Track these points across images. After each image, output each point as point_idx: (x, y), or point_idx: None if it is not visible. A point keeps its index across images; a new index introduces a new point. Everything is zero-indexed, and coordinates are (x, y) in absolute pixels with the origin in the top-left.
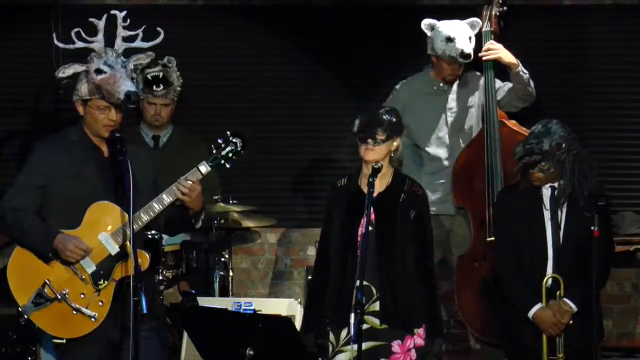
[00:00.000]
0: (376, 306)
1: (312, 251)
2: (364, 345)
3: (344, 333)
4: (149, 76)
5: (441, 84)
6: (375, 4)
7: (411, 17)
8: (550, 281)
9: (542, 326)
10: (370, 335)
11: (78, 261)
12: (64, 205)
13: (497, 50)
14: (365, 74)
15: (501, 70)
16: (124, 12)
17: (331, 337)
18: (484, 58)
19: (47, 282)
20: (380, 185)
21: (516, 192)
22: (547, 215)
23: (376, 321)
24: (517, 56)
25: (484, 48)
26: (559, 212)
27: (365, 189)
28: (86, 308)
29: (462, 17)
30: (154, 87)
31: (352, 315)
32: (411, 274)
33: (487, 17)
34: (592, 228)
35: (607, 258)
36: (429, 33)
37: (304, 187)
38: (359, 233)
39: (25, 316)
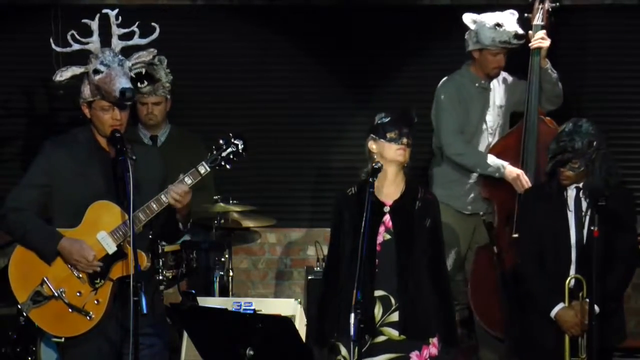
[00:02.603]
0: (395, 317)
1: (312, 251)
2: (382, 358)
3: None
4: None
5: (483, 81)
6: (375, 4)
7: (412, 17)
8: (572, 282)
9: (564, 326)
10: (388, 348)
11: (86, 269)
12: (68, 205)
13: (547, 41)
14: (365, 74)
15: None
16: (116, 10)
17: (344, 351)
18: (535, 45)
19: (45, 280)
20: (394, 192)
21: (542, 191)
22: (570, 216)
23: (394, 332)
24: (517, 56)
25: (537, 37)
26: (584, 213)
27: (379, 197)
28: (82, 307)
29: None
30: (138, 83)
31: (352, 315)
32: (427, 282)
33: (539, 10)
34: (591, 228)
35: (633, 260)
36: (472, 27)
37: (304, 187)
38: (378, 242)
39: (25, 314)
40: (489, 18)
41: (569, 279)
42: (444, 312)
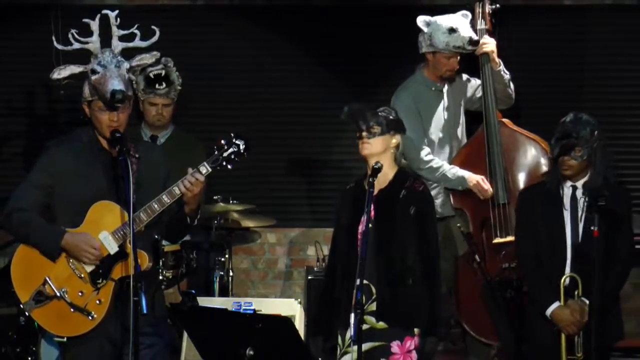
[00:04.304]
0: (374, 306)
1: (312, 251)
2: (366, 346)
3: (349, 334)
4: (151, 75)
5: (438, 84)
6: (375, 4)
7: (411, 17)
8: (568, 280)
9: (560, 324)
10: (369, 336)
11: (94, 260)
12: (70, 206)
13: (491, 44)
14: (365, 74)
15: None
16: (116, 12)
17: (339, 339)
18: (481, 50)
19: (47, 280)
20: (381, 182)
21: (538, 191)
22: (566, 215)
23: (374, 320)
24: (517, 56)
25: (480, 43)
26: (579, 211)
27: (367, 187)
28: (84, 307)
29: None
30: (157, 85)
31: (352, 315)
32: (413, 272)
33: (481, 14)
34: (591, 228)
35: (630, 259)
36: (425, 29)
37: (304, 187)
38: (359, 231)
39: (27, 313)
40: (445, 21)
41: (564, 277)
42: (427, 302)
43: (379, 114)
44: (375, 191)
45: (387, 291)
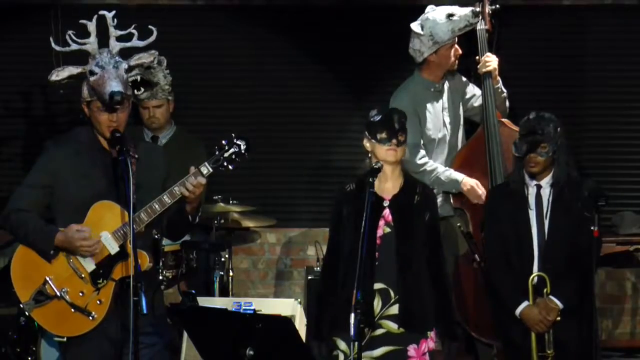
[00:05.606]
0: (394, 309)
1: (312, 251)
2: (380, 351)
3: None
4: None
5: (437, 84)
6: (375, 4)
7: (411, 17)
8: (536, 279)
9: (528, 323)
10: (386, 340)
11: (93, 251)
12: (70, 206)
13: (493, 62)
14: (365, 74)
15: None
16: (113, 12)
17: (343, 345)
18: (483, 70)
19: (48, 280)
20: (393, 188)
21: (503, 191)
22: (532, 214)
23: (393, 325)
24: (517, 56)
25: (482, 60)
26: (545, 210)
27: (378, 192)
28: (85, 307)
29: None
30: (135, 91)
31: (352, 315)
32: (425, 276)
33: (481, 15)
34: (592, 228)
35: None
36: (422, 31)
37: (304, 187)
38: (378, 235)
39: (27, 313)
40: (437, 14)
41: (532, 277)
42: (442, 306)
43: (403, 120)
44: (389, 196)
45: (408, 296)
